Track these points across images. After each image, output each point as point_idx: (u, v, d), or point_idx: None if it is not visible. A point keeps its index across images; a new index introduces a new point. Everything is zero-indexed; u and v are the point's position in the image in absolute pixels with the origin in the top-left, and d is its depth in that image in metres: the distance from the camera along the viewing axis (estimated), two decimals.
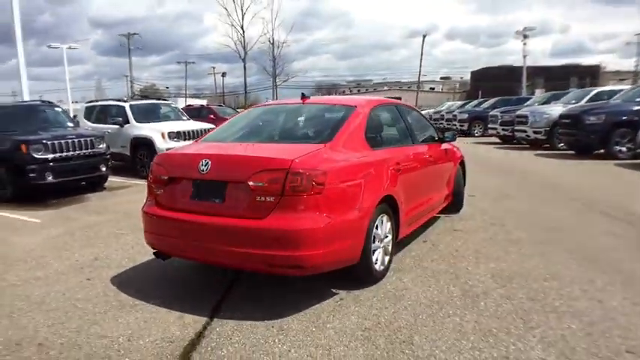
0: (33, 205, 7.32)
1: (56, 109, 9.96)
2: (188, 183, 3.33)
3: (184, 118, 12.21)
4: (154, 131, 10.47)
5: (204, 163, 3.21)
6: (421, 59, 48.76)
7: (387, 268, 3.79)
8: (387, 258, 3.79)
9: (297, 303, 3.27)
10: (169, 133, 10.29)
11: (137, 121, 10.94)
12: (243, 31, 18.77)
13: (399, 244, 4.43)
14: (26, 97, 12.72)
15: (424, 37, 48.81)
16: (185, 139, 10.27)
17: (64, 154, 7.94)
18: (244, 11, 19.51)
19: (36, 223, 6.20)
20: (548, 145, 13.49)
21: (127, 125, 10.84)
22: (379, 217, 3.58)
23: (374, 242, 3.54)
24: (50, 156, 7.74)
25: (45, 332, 2.98)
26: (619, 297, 3.26)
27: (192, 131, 10.63)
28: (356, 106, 3.94)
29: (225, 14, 22.49)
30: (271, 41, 31.24)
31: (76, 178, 8.22)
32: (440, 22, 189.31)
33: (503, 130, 16.00)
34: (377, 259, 3.62)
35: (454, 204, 5.85)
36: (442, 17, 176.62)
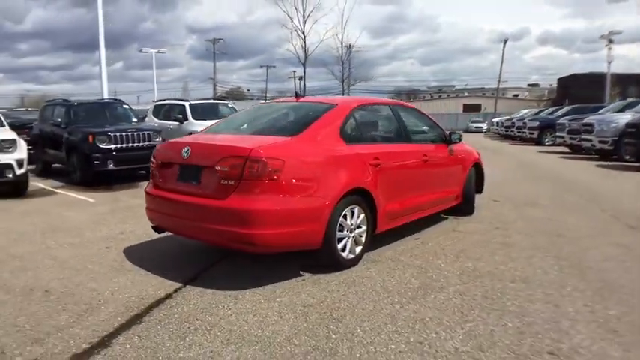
0: (95, 188, 8.43)
1: (124, 106, 11.25)
2: (176, 167, 3.83)
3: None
4: (203, 127, 11.35)
5: (185, 151, 3.69)
6: (501, 65, 46.85)
7: (358, 257, 4.00)
8: (358, 248, 4.00)
9: (262, 279, 3.61)
10: None
11: (194, 119, 11.96)
12: (304, 36, 19.55)
13: (386, 237, 4.63)
14: (105, 96, 14.41)
15: (505, 41, 46.77)
16: None
17: (125, 145, 9.02)
18: (306, 17, 20.38)
19: (90, 202, 7.19)
20: (615, 157, 12.45)
21: (186, 122, 11.88)
22: (348, 208, 3.82)
23: (341, 231, 3.78)
24: (113, 146, 8.84)
25: (54, 283, 3.62)
26: (579, 304, 3.19)
27: None
28: (337, 104, 4.21)
29: (289, 19, 23.59)
30: (341, 45, 31.80)
31: (134, 167, 9.27)
32: (532, 26, 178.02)
33: (570, 139, 14.97)
34: (345, 248, 3.85)
35: (464, 206, 5.84)
36: (534, 21, 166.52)
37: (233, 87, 77.73)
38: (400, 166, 4.48)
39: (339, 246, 3.79)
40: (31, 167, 8.56)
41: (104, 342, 2.66)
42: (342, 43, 31.41)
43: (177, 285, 3.55)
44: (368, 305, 3.16)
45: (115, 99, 12.37)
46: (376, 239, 4.51)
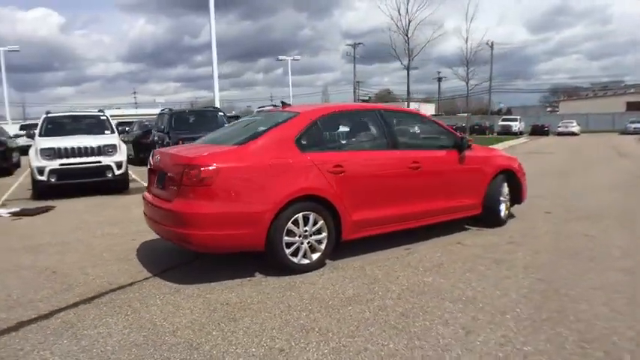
0: None
1: (219, 114, 12.59)
2: (155, 173, 4.36)
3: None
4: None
5: (156, 158, 4.19)
6: None
7: (317, 264, 4.05)
8: (316, 255, 4.04)
9: (218, 277, 3.92)
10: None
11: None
12: (408, 38, 18.99)
13: (377, 243, 4.61)
14: (217, 104, 16.20)
15: None
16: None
17: None
18: (410, 19, 19.80)
19: None
20: None
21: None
22: (300, 214, 3.90)
23: (289, 236, 3.88)
24: None
25: (65, 266, 4.44)
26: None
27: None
28: (299, 113, 4.28)
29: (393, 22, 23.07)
30: (465, 43, 29.97)
31: None
32: None
33: None
34: (297, 253, 3.94)
35: (487, 217, 5.34)
36: None
37: (382, 89, 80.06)
38: (373, 174, 4.35)
39: (288, 251, 3.90)
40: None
41: (49, 315, 3.27)
42: (466, 41, 29.66)
43: (147, 276, 4.07)
44: (277, 310, 3.24)
45: (214, 107, 13.89)
46: (362, 245, 4.52)
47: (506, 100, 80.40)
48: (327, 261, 4.28)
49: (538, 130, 41.35)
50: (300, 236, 3.95)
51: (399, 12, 20.70)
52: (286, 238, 3.88)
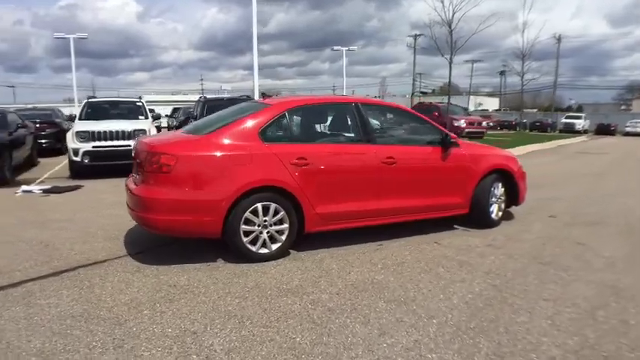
0: None
1: (251, 101, 12.94)
2: (136, 160, 4.60)
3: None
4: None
5: (136, 146, 4.41)
6: None
7: (277, 253, 4.12)
8: (276, 245, 4.12)
9: (182, 260, 4.10)
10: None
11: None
12: (451, 30, 18.00)
13: (350, 237, 4.63)
14: (256, 93, 16.54)
15: None
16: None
17: None
18: (455, 10, 18.72)
19: None
20: None
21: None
22: (260, 204, 3.99)
23: (248, 225, 3.98)
24: None
25: (59, 241, 4.82)
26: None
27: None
28: (271, 105, 4.32)
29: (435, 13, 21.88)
30: (521, 36, 28.26)
31: None
32: None
33: None
34: (256, 242, 4.03)
35: (476, 217, 5.15)
36: None
37: (445, 82, 78.31)
38: (340, 167, 4.32)
39: (246, 239, 4.00)
40: None
41: (18, 283, 3.60)
42: (522, 34, 27.93)
43: (122, 254, 4.35)
44: (215, 295, 3.36)
45: (248, 96, 14.22)
46: (336, 237, 4.57)
47: (579, 97, 75.22)
48: (293, 252, 4.35)
49: (603, 129, 38.40)
50: (259, 226, 4.03)
51: (442, 2, 19.74)
52: (245, 227, 3.98)
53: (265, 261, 4.09)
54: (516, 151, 15.28)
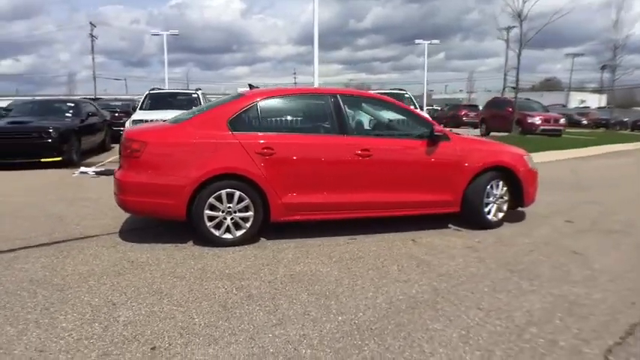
0: None
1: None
2: None
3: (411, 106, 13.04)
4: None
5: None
6: None
7: (240, 239, 4.23)
8: (240, 232, 4.24)
9: (160, 239, 4.39)
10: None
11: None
12: (521, 21, 16.08)
13: (326, 228, 4.63)
14: (316, 84, 16.68)
15: None
16: None
17: None
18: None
19: None
20: None
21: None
22: (224, 191, 4.13)
23: (213, 211, 4.15)
24: None
25: (74, 216, 5.38)
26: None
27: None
28: (244, 95, 4.40)
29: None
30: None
31: None
32: None
33: None
34: (220, 227, 4.18)
35: (469, 217, 4.84)
36: None
37: (550, 77, 74.40)
38: (308, 158, 4.29)
39: (210, 224, 4.17)
40: None
41: (14, 250, 4.13)
42: (614, 25, 24.52)
43: (114, 231, 4.75)
44: (159, 273, 3.57)
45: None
46: (313, 228, 4.61)
47: None
48: (262, 239, 4.45)
49: None
50: (223, 212, 4.18)
51: None
52: (209, 212, 4.16)
53: (229, 246, 4.24)
54: (590, 151, 13.75)
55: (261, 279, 3.50)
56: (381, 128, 4.86)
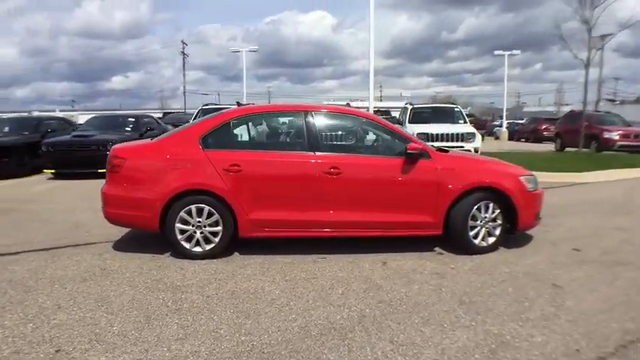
0: None
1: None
2: None
3: (460, 121, 12.61)
4: (408, 131, 11.82)
5: None
6: None
7: (210, 253, 4.38)
8: (210, 246, 4.39)
9: (148, 250, 4.65)
10: (418, 133, 11.31)
11: (410, 123, 12.50)
12: (590, 27, 14.06)
13: (297, 248, 4.60)
14: (371, 101, 16.53)
15: None
16: (431, 140, 11.03)
17: None
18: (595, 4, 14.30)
19: None
20: None
21: (407, 125, 12.59)
22: (194, 205, 4.31)
23: (183, 224, 4.34)
24: None
25: (91, 224, 5.91)
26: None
27: (447, 134, 11.15)
28: (223, 113, 4.55)
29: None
30: None
31: None
32: None
33: None
34: (191, 240, 4.37)
35: (453, 240, 4.54)
36: None
37: None
38: (275, 175, 4.33)
39: (181, 237, 4.37)
40: None
41: (17, 253, 4.67)
42: None
43: (114, 239, 5.14)
44: (119, 281, 3.83)
45: (348, 103, 14.45)
46: (287, 245, 4.63)
47: None
48: (236, 253, 4.56)
49: None
50: (193, 226, 4.36)
51: None
52: (180, 226, 4.36)
53: (200, 259, 4.40)
54: None
55: (202, 293, 3.60)
56: (355, 145, 4.75)
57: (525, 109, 64.43)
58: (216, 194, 4.31)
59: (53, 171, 10.17)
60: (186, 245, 4.41)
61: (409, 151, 4.34)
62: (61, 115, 28.36)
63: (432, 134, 10.99)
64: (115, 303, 3.42)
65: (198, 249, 4.42)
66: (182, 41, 58.16)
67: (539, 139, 24.47)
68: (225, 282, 3.84)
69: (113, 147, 4.68)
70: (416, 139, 4.54)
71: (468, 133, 11.15)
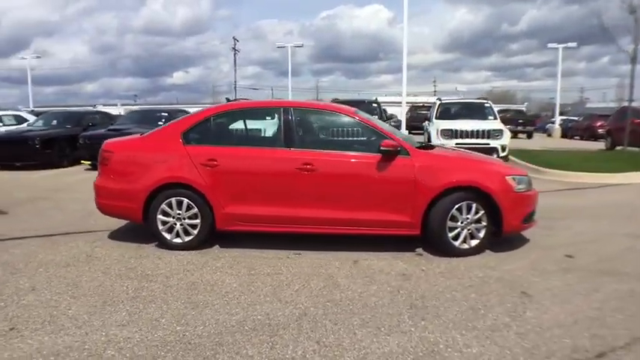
0: None
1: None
2: None
3: (490, 118, 12.00)
4: (434, 127, 11.45)
5: None
6: None
7: (189, 244, 4.52)
8: (188, 237, 4.53)
9: (131, 240, 4.90)
10: (442, 129, 10.94)
11: (437, 119, 12.10)
12: (637, 18, 12.39)
13: (276, 243, 4.62)
14: (404, 95, 16.19)
15: None
16: (456, 137, 10.65)
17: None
18: None
19: None
20: None
21: (433, 121, 12.22)
22: (174, 198, 4.46)
23: (165, 216, 4.50)
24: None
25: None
26: None
27: (473, 131, 10.72)
28: (204, 109, 4.64)
29: None
30: None
31: None
32: None
33: None
34: (172, 232, 4.53)
35: (432, 241, 4.39)
36: None
37: None
38: (249, 171, 4.38)
39: (163, 228, 4.54)
40: None
41: (21, 238, 5.05)
42: None
43: (112, 228, 5.41)
44: (94, 267, 4.05)
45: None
46: (269, 240, 4.66)
47: None
48: (216, 246, 4.67)
49: None
50: (173, 217, 4.51)
51: None
52: (161, 217, 4.53)
53: (180, 250, 4.55)
54: None
55: (165, 283, 3.73)
56: (331, 142, 4.67)
57: (589, 105, 60.17)
58: (195, 188, 4.44)
59: (89, 162, 10.86)
60: (167, 236, 4.57)
61: (382, 148, 4.23)
62: (122, 109, 30.26)
63: (455, 130, 10.59)
64: (83, 288, 3.63)
65: (178, 240, 4.57)
66: (234, 38, 59.83)
67: (594, 137, 22.62)
68: (192, 273, 3.96)
69: (106, 142, 4.93)
70: (394, 136, 4.40)
71: (494, 130, 10.56)
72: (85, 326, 2.97)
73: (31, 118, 15.28)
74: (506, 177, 4.36)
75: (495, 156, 9.89)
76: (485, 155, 5.25)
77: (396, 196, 4.30)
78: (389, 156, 4.28)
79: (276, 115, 4.63)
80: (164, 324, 3.00)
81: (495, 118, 11.68)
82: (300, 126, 4.55)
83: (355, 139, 4.63)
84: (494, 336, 2.83)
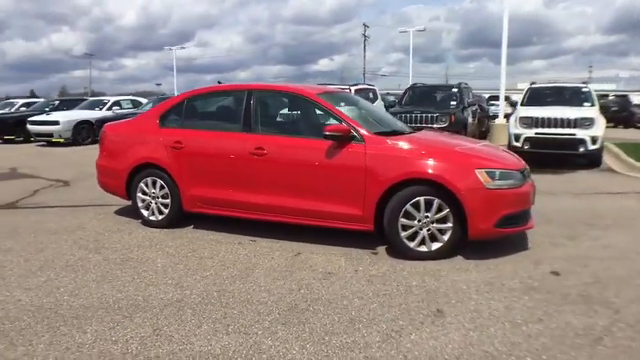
0: None
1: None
2: None
3: (586, 104, 9.93)
4: (515, 115, 9.97)
5: None
6: None
7: (162, 222, 4.74)
8: (161, 216, 4.76)
9: (126, 216, 5.28)
10: (521, 117, 9.46)
11: (523, 105, 10.54)
12: None
13: (240, 229, 4.58)
14: (503, 85, 14.17)
15: None
16: (536, 126, 9.16)
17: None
18: None
19: None
20: None
21: (517, 108, 10.72)
22: (149, 178, 4.71)
23: (143, 195, 4.79)
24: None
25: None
26: None
27: (557, 119, 9.07)
28: (182, 93, 4.72)
29: None
30: None
31: None
32: None
33: None
34: (149, 210, 4.80)
35: (385, 237, 3.86)
36: None
37: None
38: (208, 154, 4.39)
39: (141, 205, 4.84)
40: None
41: (51, 207, 5.82)
42: None
43: (126, 204, 5.86)
44: (77, 238, 4.47)
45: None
46: (235, 225, 4.65)
47: None
48: (187, 227, 4.78)
49: None
50: (149, 196, 4.76)
51: None
52: (140, 195, 4.83)
53: (155, 227, 4.79)
54: None
55: (106, 257, 3.96)
56: (287, 126, 4.36)
57: None
58: (165, 169, 4.62)
59: None
60: (145, 213, 4.86)
61: (326, 133, 3.83)
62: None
63: (536, 118, 8.95)
64: (45, 252, 4.06)
65: (153, 218, 4.82)
66: (364, 24, 59.63)
67: (630, 125, 20.46)
68: (140, 249, 4.15)
69: (106, 124, 5.42)
70: (349, 119, 3.94)
71: (582, 119, 8.56)
72: (12, 285, 3.31)
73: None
74: (476, 170, 3.60)
75: (582, 149, 8.32)
76: (474, 140, 4.38)
77: (345, 187, 3.88)
78: (339, 142, 3.88)
79: (240, 98, 4.53)
80: (63, 293, 3.21)
81: (593, 105, 9.60)
82: (260, 109, 4.39)
83: (314, 123, 4.30)
84: (338, 356, 2.38)
